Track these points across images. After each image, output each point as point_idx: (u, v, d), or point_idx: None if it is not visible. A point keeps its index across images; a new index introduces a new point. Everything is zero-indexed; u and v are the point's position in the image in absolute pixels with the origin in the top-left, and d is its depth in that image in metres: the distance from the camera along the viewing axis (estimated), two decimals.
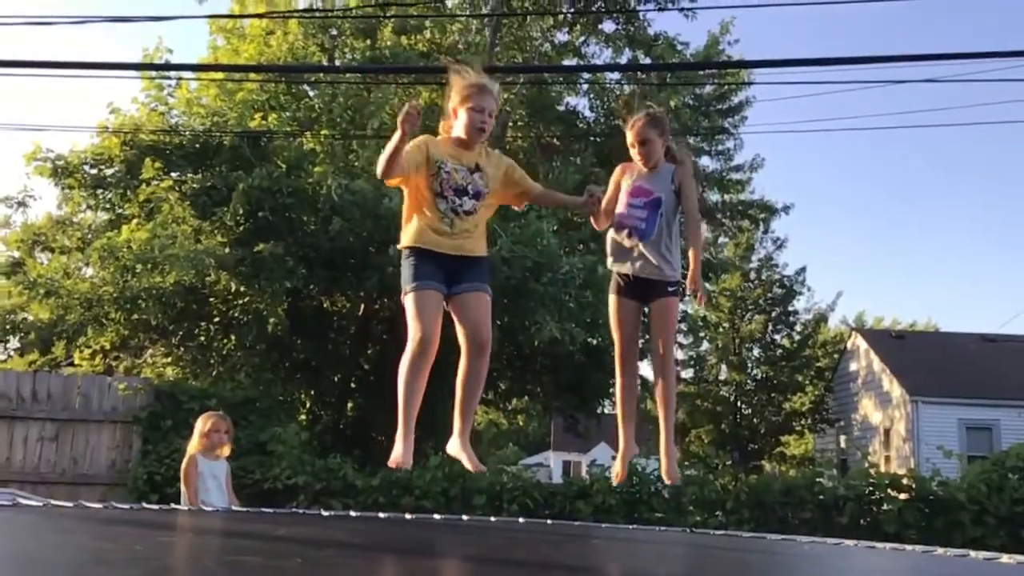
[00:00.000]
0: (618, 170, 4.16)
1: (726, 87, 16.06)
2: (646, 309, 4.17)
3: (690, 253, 4.00)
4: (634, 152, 4.04)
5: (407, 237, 3.63)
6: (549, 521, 4.75)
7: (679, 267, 4.03)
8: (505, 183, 3.67)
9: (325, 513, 5.11)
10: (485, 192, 3.52)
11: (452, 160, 3.48)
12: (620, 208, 4.02)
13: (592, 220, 4.10)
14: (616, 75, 15.71)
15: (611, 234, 4.09)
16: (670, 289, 4.02)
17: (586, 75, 15.59)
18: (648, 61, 15.11)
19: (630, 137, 4.04)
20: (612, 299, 4.13)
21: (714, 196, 16.72)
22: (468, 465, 3.57)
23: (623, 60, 15.42)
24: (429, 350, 3.46)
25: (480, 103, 3.48)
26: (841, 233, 76.37)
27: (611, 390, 14.28)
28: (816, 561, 3.90)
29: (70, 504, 4.26)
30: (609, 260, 4.12)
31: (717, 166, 16.51)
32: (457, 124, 3.55)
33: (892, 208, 75.41)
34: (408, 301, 3.52)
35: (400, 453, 3.50)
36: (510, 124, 15.58)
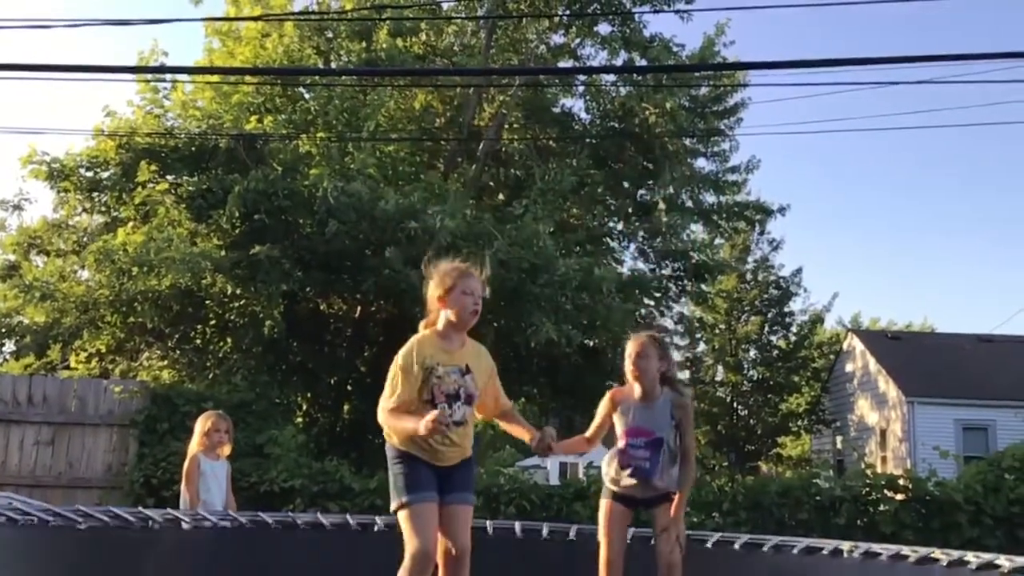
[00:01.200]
0: (608, 399, 4.10)
1: (722, 89, 16.05)
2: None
3: (676, 494, 3.98)
4: (629, 364, 4.00)
5: (399, 438, 3.46)
6: (545, 528, 4.73)
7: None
8: (484, 388, 3.53)
9: (324, 520, 5.11)
10: (477, 396, 3.41)
11: (443, 362, 3.35)
12: (620, 446, 3.97)
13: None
14: (612, 77, 15.71)
15: (611, 468, 4.03)
16: (672, 495, 4.02)
17: (582, 77, 15.58)
18: (644, 63, 15.11)
19: (630, 349, 4.02)
20: (604, 503, 4.05)
21: (710, 198, 16.71)
22: None
23: (619, 62, 15.42)
24: (429, 567, 3.26)
25: (469, 286, 3.40)
26: (837, 234, 76.53)
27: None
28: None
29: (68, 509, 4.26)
30: (607, 480, 4.06)
31: (713, 168, 16.51)
32: (445, 313, 3.43)
33: (888, 209, 75.59)
34: (404, 515, 3.33)
35: None
36: (506, 127, 15.58)
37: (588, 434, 4.02)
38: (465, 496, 3.40)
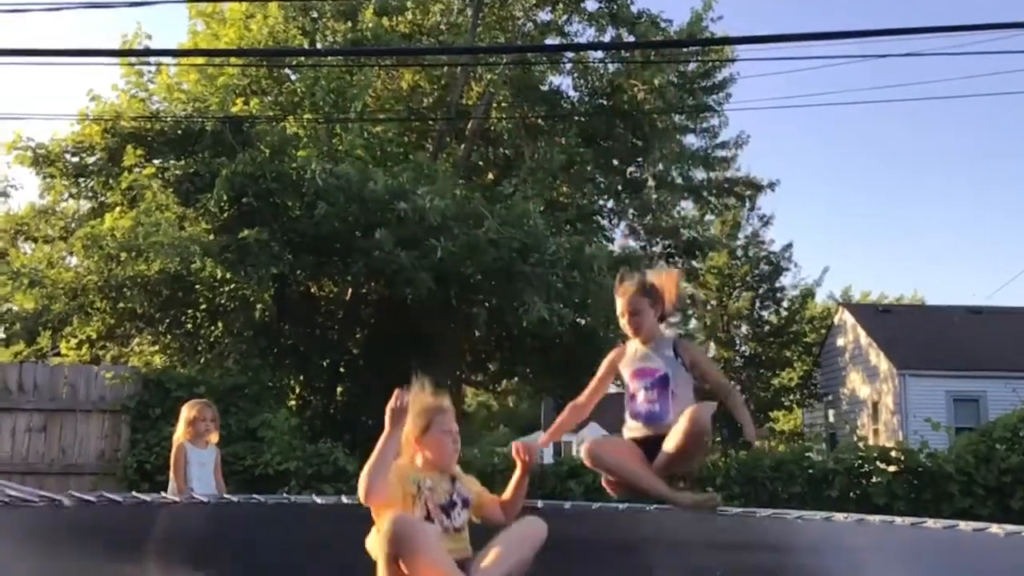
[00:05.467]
0: (610, 356, 4.00)
1: (710, 64, 16.00)
2: None
3: (741, 423, 3.86)
4: (624, 322, 3.90)
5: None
6: (540, 503, 4.75)
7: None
8: (479, 494, 3.35)
9: (319, 500, 5.12)
10: (471, 497, 3.23)
11: (429, 477, 3.13)
12: (629, 391, 3.86)
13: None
14: (600, 54, 15.64)
15: (627, 423, 3.90)
16: None
17: (569, 54, 15.51)
18: (631, 39, 15.04)
19: (620, 306, 3.89)
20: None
21: (700, 174, 16.70)
22: None
23: (606, 38, 15.35)
24: None
25: (447, 425, 3.16)
26: (827, 209, 76.58)
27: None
28: (807, 535, 3.92)
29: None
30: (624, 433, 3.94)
31: (702, 144, 16.49)
32: (422, 454, 3.17)
33: (877, 183, 75.65)
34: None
35: None
36: (494, 105, 15.51)
37: (580, 399, 3.88)
38: None
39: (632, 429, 3.85)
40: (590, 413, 4.06)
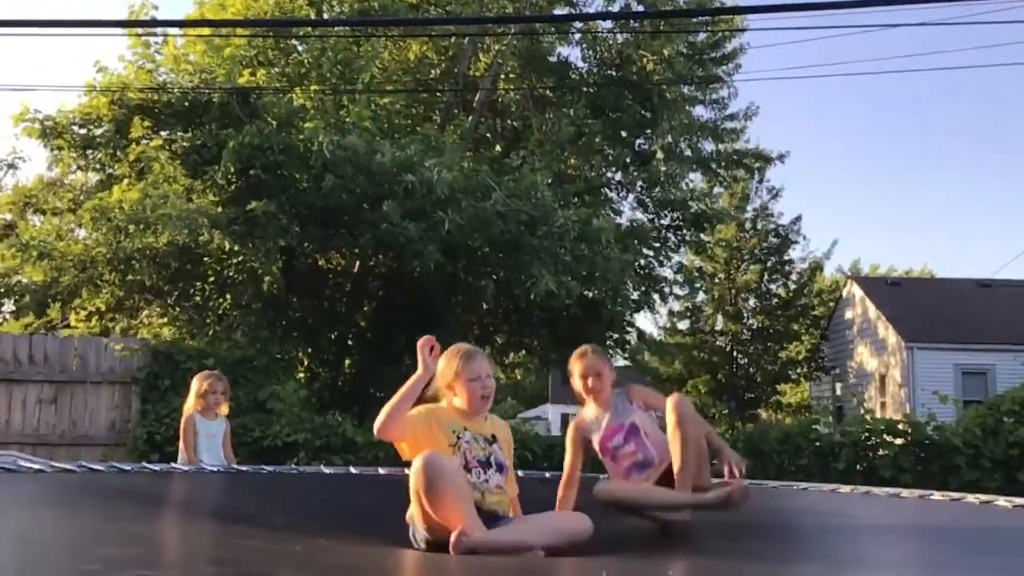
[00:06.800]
0: (572, 429, 3.84)
1: (720, 34, 15.85)
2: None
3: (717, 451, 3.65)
4: (581, 386, 3.76)
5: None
6: (547, 474, 4.78)
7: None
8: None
9: (327, 470, 5.15)
10: (507, 466, 3.24)
11: (468, 429, 3.20)
12: (608, 460, 3.72)
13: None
14: (609, 23, 15.49)
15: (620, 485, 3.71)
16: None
17: (578, 24, 15.37)
18: (641, 9, 14.89)
19: (579, 370, 3.76)
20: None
21: (708, 146, 16.58)
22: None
23: (616, 8, 15.21)
24: None
25: (475, 370, 3.22)
26: (836, 181, 76.17)
27: (608, 343, 14.30)
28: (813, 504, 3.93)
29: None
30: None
31: (711, 115, 16.35)
32: (457, 399, 3.26)
33: (887, 155, 75.14)
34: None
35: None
36: (502, 77, 15.40)
37: (564, 477, 3.73)
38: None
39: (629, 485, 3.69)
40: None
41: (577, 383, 3.80)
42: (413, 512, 2.96)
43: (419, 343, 3.13)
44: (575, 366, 3.80)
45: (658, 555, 3.18)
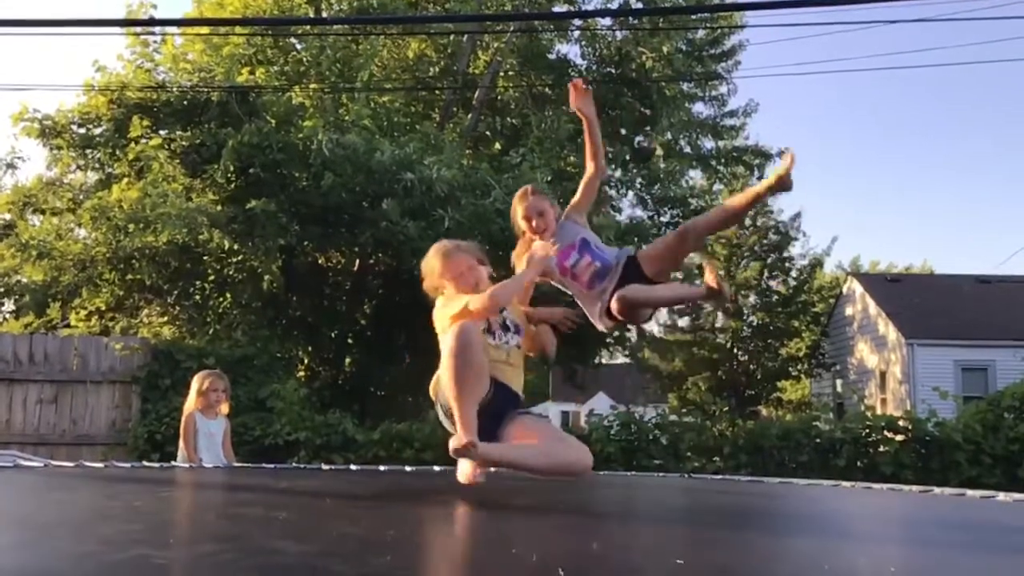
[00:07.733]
0: (520, 259, 3.72)
1: (719, 31, 15.85)
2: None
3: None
4: (529, 225, 3.72)
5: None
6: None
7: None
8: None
9: (326, 467, 5.15)
10: (522, 327, 3.61)
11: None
12: (573, 284, 3.74)
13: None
14: (608, 21, 15.50)
15: (596, 299, 3.75)
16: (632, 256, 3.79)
17: (577, 22, 15.37)
18: (640, 6, 14.89)
19: (521, 211, 3.73)
20: None
21: (708, 143, 16.59)
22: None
23: (615, 5, 15.21)
24: None
25: (455, 269, 3.53)
26: (836, 178, 76.17)
27: (608, 340, 14.30)
28: (812, 502, 3.93)
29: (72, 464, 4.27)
30: None
31: (711, 112, 16.37)
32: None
33: (887, 151, 75.13)
34: None
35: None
36: (501, 74, 15.40)
37: (528, 310, 3.76)
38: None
39: (606, 291, 3.67)
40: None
41: (521, 224, 3.76)
42: (439, 378, 3.24)
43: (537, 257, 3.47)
44: (517, 208, 3.77)
45: (658, 554, 3.17)
